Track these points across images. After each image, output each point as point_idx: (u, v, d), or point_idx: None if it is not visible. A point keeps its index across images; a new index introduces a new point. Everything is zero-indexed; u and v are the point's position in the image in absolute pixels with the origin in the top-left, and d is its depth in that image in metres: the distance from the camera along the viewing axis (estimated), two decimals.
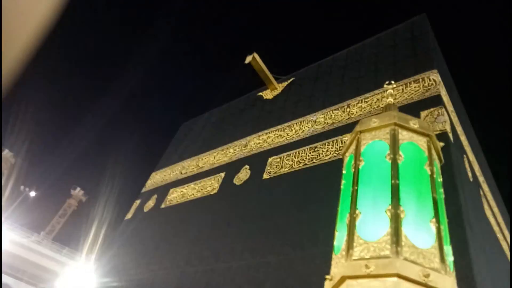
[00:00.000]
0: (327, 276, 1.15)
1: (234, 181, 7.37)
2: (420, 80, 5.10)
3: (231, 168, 7.70)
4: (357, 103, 5.82)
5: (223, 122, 9.59)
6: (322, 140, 5.85)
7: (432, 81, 4.98)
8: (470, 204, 3.91)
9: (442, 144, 1.58)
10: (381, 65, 6.03)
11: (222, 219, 6.99)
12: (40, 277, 23.50)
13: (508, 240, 6.78)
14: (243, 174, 7.33)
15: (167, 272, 7.94)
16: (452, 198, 3.29)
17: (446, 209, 1.33)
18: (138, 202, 9.63)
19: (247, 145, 7.77)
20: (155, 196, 9.24)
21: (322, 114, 6.45)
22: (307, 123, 6.68)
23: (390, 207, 1.17)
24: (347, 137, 5.14)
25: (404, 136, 1.45)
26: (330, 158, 5.51)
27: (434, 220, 1.13)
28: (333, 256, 1.23)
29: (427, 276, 0.96)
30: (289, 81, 8.45)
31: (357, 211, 1.24)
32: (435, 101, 4.50)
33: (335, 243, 1.26)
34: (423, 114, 4.33)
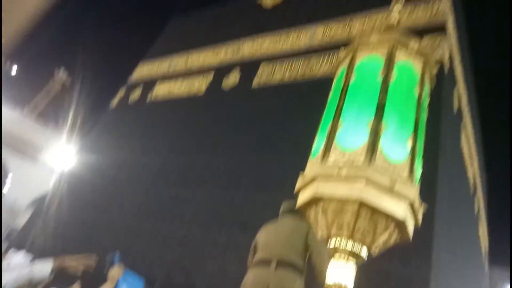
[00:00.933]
0: (301, 172, 1.23)
1: (222, 86, 7.29)
2: (430, 5, 4.85)
3: (221, 71, 7.55)
4: (360, 19, 5.56)
5: (217, 23, 9.10)
6: (318, 54, 5.71)
7: (441, 8, 4.75)
8: (448, 133, 4.09)
9: (436, 71, 1.58)
10: None
11: (207, 122, 7.08)
12: (23, 150, 24.17)
13: (475, 166, 7.26)
14: (232, 80, 7.22)
15: (149, 158, 8.26)
16: (434, 124, 3.45)
17: (425, 133, 1.38)
18: (123, 91, 9.49)
19: (239, 49, 7.51)
20: (141, 89, 9.12)
21: (323, 27, 6.17)
22: (305, 35, 6.42)
23: (372, 121, 1.20)
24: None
25: (401, 55, 1.43)
26: (323, 74, 5.44)
27: (411, 137, 1.18)
28: (310, 159, 1.29)
29: (393, 183, 1.03)
30: None
31: (339, 122, 1.27)
32: (439, 29, 4.35)
33: (313, 148, 1.31)
34: (425, 40, 4.23)
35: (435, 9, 4.77)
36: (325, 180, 1.11)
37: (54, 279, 2.53)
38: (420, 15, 4.76)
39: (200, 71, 7.86)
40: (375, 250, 1.17)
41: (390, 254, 4.57)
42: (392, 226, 1.14)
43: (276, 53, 6.55)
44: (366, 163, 1.08)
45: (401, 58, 1.40)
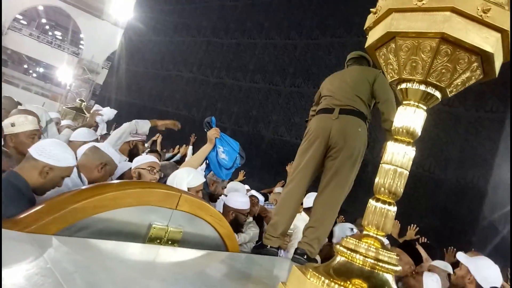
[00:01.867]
0: (371, 9, 1.07)
1: None
2: None
3: None
4: None
5: None
6: None
7: None
8: None
9: None
10: None
11: None
12: (88, 8, 24.76)
13: None
14: None
15: (194, 40, 8.04)
16: None
17: None
18: None
19: None
20: None
21: None
22: None
23: None
24: None
25: None
26: None
27: None
28: None
29: (486, 11, 0.86)
30: None
31: None
32: None
33: None
34: None
35: None
36: (401, 12, 0.96)
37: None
38: None
39: None
40: (451, 92, 1.07)
41: (462, 97, 4.36)
42: (476, 63, 1.00)
43: None
44: None
45: None
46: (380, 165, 1.05)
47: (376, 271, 0.93)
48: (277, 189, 4.54)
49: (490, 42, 0.92)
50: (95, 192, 1.18)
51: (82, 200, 1.12)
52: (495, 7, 0.87)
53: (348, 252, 0.96)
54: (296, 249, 2.29)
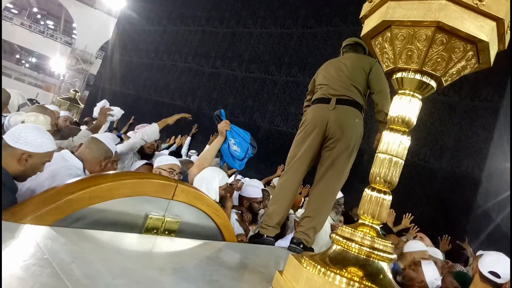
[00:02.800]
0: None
1: None
2: None
3: None
4: None
5: None
6: None
7: None
8: None
9: None
10: None
11: None
12: None
13: None
14: None
15: (188, 29, 7.94)
16: None
17: None
18: None
19: None
20: None
21: None
22: None
23: None
24: None
25: None
26: None
27: None
28: None
29: None
30: None
31: None
32: None
33: None
34: None
35: None
36: (396, 1, 0.95)
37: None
38: None
39: None
40: (446, 81, 1.07)
41: (458, 86, 4.37)
42: (471, 52, 1.00)
43: None
44: None
45: None
46: (376, 154, 1.05)
47: (372, 259, 0.94)
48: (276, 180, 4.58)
49: (485, 31, 0.93)
50: (90, 183, 1.18)
51: (77, 191, 1.12)
52: None
53: (344, 240, 0.97)
54: (292, 239, 2.31)
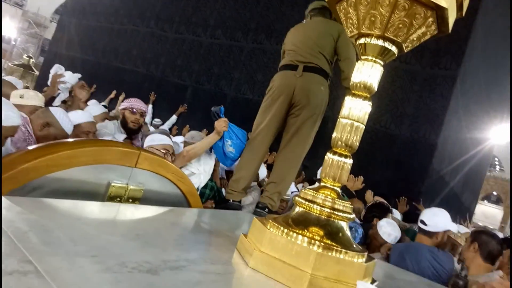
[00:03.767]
0: None
1: None
2: None
3: None
4: None
5: None
6: None
7: None
8: None
9: None
10: None
11: None
12: None
13: None
14: None
15: None
16: None
17: None
18: None
19: None
20: None
21: None
22: None
23: None
24: None
25: None
26: None
27: None
28: None
29: None
30: None
31: None
32: None
33: None
34: None
35: None
36: None
37: None
38: None
39: None
40: (407, 47, 1.09)
41: (419, 54, 4.50)
42: (431, 19, 1.02)
43: None
44: None
45: None
46: (338, 119, 1.07)
47: (332, 219, 0.98)
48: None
49: None
50: (47, 151, 1.13)
51: (33, 160, 1.07)
52: None
53: (306, 202, 1.00)
54: (257, 203, 2.36)
